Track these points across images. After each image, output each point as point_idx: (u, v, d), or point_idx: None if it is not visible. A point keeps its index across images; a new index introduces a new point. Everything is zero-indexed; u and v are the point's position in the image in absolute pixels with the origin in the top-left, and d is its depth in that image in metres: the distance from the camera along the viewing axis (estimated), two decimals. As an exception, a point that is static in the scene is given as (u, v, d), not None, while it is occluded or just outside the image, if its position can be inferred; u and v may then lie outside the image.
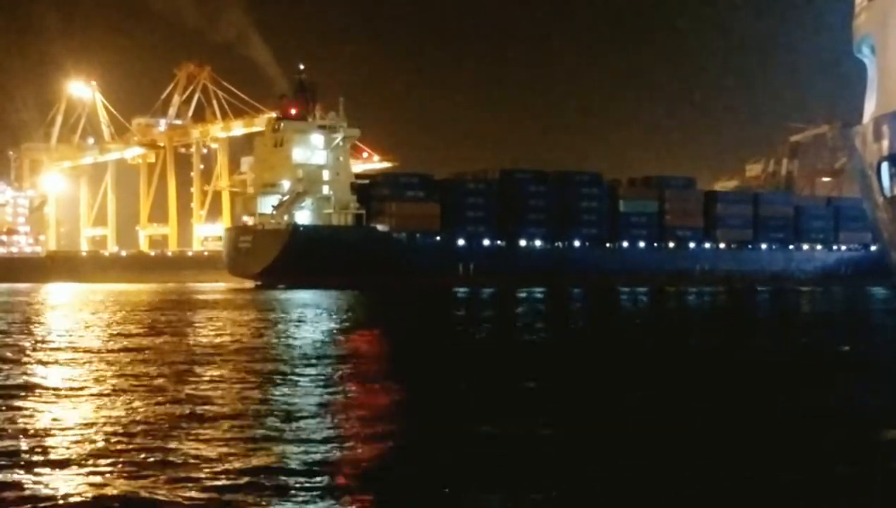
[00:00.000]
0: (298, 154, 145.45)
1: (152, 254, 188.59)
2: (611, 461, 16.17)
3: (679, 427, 19.52)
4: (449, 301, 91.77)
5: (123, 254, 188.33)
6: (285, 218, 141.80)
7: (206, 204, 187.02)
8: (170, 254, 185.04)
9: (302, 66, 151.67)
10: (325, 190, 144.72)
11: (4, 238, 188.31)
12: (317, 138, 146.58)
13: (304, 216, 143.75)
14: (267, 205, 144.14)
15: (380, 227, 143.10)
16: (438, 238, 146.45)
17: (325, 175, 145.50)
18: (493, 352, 37.07)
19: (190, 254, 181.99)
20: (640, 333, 51.14)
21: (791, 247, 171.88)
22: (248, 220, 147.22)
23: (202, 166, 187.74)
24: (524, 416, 20.47)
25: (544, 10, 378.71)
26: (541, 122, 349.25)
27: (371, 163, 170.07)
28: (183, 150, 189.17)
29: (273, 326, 50.99)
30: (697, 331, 53.07)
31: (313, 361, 31.43)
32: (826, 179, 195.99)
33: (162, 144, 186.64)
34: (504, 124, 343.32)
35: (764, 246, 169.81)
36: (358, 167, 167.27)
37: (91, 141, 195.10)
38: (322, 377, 27.06)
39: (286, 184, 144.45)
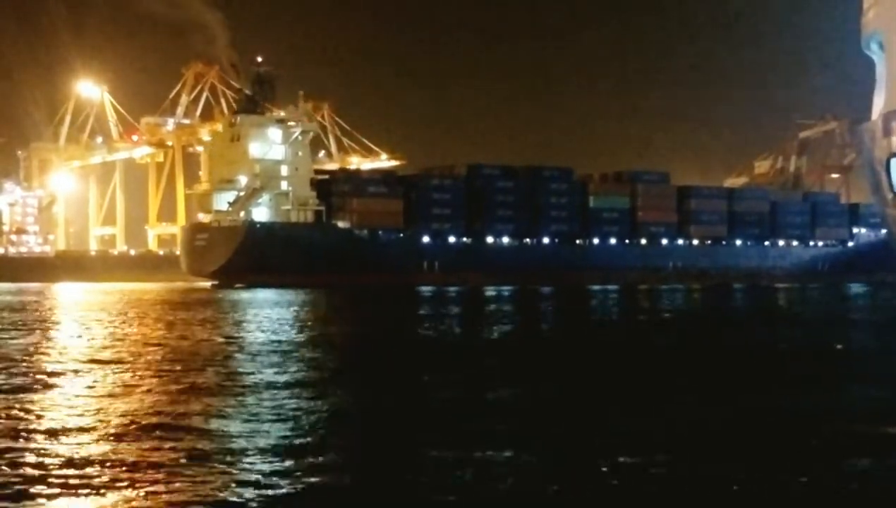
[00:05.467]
0: (255, 148, 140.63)
1: (161, 253, 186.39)
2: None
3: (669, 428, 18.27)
4: (412, 300, 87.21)
5: (132, 253, 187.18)
6: (241, 214, 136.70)
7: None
8: (178, 253, 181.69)
9: (260, 59, 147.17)
10: (283, 185, 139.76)
11: (14, 237, 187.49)
12: (274, 132, 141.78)
13: (261, 212, 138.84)
14: (223, 201, 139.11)
15: (340, 224, 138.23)
16: (402, 235, 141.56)
17: (283, 170, 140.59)
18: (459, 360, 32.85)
19: None
20: (619, 334, 47.55)
21: (767, 243, 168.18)
22: (205, 218, 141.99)
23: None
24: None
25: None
26: (511, 116, 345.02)
27: (378, 161, 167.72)
28: (191, 150, 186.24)
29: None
30: (674, 330, 49.49)
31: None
32: (835, 176, 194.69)
33: (170, 144, 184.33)
34: (472, 118, 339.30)
35: (739, 242, 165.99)
36: (366, 165, 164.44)
37: (100, 140, 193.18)
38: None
39: (243, 180, 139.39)
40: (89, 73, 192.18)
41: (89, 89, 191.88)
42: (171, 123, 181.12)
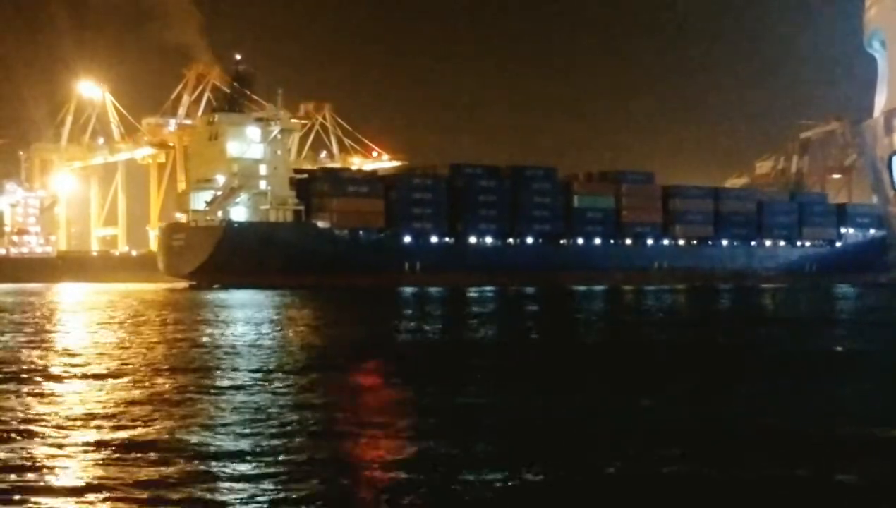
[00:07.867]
0: (233, 147, 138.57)
1: None
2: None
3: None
4: (393, 302, 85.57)
5: (134, 253, 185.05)
6: (219, 214, 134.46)
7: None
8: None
9: (238, 56, 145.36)
10: (262, 184, 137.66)
11: (15, 238, 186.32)
12: (253, 131, 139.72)
13: (239, 212, 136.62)
14: (200, 201, 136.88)
15: (320, 224, 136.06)
16: (383, 235, 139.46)
17: (262, 169, 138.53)
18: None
19: None
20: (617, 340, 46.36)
21: (753, 243, 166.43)
22: (182, 217, 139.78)
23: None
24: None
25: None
26: (495, 115, 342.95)
27: (380, 162, 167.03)
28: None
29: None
30: (661, 333, 48.47)
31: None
32: (836, 176, 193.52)
33: (172, 144, 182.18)
34: (455, 118, 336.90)
35: (725, 242, 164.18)
36: (368, 165, 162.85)
37: (101, 141, 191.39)
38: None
39: (220, 179, 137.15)
40: (90, 73, 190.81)
41: (90, 90, 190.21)
42: (172, 124, 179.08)
